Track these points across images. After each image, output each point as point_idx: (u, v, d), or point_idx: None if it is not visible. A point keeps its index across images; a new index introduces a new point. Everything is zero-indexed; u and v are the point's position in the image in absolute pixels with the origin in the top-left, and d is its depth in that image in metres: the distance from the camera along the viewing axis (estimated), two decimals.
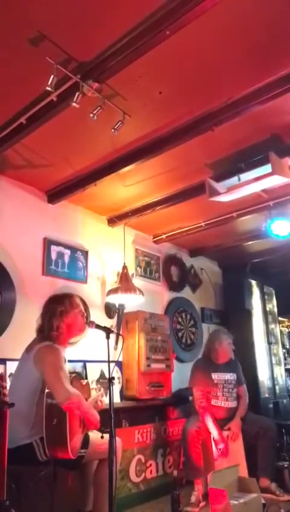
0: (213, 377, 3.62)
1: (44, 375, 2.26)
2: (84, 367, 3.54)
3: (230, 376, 3.68)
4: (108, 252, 4.11)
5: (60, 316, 2.49)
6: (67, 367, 2.55)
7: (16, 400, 2.09)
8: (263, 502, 2.89)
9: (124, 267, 3.91)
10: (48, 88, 2.11)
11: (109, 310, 3.96)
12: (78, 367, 3.50)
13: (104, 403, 2.49)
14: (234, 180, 3.09)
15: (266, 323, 5.67)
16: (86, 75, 2.17)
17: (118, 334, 3.59)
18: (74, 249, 3.75)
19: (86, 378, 3.47)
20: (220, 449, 3.32)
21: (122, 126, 2.46)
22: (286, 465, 3.59)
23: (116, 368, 3.74)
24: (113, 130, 2.46)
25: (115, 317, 3.98)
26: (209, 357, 3.77)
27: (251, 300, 5.49)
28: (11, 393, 2.44)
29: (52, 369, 2.25)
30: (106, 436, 2.26)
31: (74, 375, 2.48)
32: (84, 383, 2.61)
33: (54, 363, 2.27)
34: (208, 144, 2.90)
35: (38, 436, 2.20)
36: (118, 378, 3.78)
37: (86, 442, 2.37)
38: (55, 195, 3.57)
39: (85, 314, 2.65)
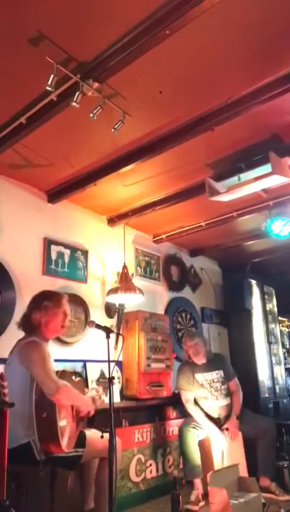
0: (197, 378, 3.60)
1: (31, 371, 2.26)
2: (84, 367, 3.54)
3: (216, 374, 3.65)
4: (108, 252, 4.11)
5: (43, 309, 2.49)
6: (65, 365, 2.55)
7: (11, 400, 2.08)
8: (263, 501, 2.89)
9: (124, 267, 3.91)
10: (48, 88, 2.11)
11: (109, 309, 3.96)
12: (78, 367, 3.50)
13: (104, 402, 2.49)
14: (234, 179, 3.09)
15: (266, 323, 5.67)
16: (86, 74, 2.17)
17: (118, 334, 3.59)
18: (73, 249, 3.75)
19: (86, 378, 3.47)
20: (224, 430, 3.38)
21: (123, 126, 2.46)
22: (285, 465, 3.59)
23: (116, 368, 3.74)
24: (113, 130, 2.46)
25: (115, 317, 3.98)
26: (191, 360, 3.74)
27: (251, 300, 5.49)
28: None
29: (38, 363, 2.25)
30: (106, 435, 2.26)
31: (61, 370, 2.47)
32: (76, 380, 2.61)
33: (39, 358, 2.27)
34: (208, 144, 2.91)
35: (36, 436, 2.21)
36: (118, 378, 3.78)
37: (82, 441, 2.37)
38: (55, 194, 3.57)
39: (68, 317, 2.60)
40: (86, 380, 3.44)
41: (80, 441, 2.36)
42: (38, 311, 2.49)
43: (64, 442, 2.15)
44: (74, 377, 2.57)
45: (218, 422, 3.47)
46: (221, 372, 3.68)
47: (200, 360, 3.67)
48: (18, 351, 2.37)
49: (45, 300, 2.53)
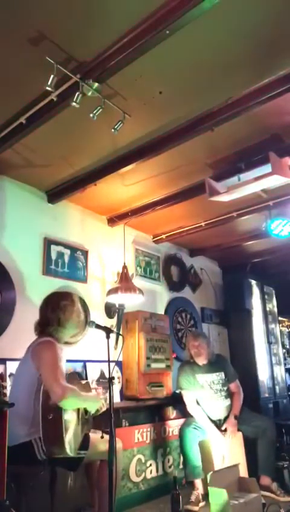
0: (198, 379, 3.59)
1: (40, 372, 2.26)
2: (84, 367, 3.54)
3: (217, 376, 3.63)
4: (108, 252, 4.11)
5: (62, 309, 2.51)
6: (66, 366, 2.55)
7: (16, 398, 2.08)
8: (263, 501, 2.89)
9: (124, 267, 3.91)
10: (48, 88, 2.11)
11: (109, 309, 3.96)
12: (78, 367, 3.50)
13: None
14: (234, 179, 3.10)
15: (266, 323, 5.67)
16: (86, 74, 2.17)
17: (118, 334, 3.59)
18: (73, 249, 3.75)
19: (86, 378, 3.47)
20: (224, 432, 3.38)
21: (122, 126, 2.46)
22: (285, 465, 3.59)
23: (116, 368, 3.74)
24: (113, 130, 2.46)
25: (115, 317, 3.97)
26: (192, 360, 3.73)
27: (251, 300, 5.49)
28: (11, 393, 2.44)
29: (48, 365, 2.24)
30: (106, 436, 2.26)
31: (70, 372, 2.47)
32: (83, 383, 2.61)
33: (50, 360, 2.27)
34: (208, 144, 2.91)
35: (38, 435, 2.20)
36: (118, 378, 3.78)
37: (86, 443, 2.36)
38: (55, 194, 3.57)
39: (82, 313, 2.65)
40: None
41: (84, 443, 2.35)
42: (55, 311, 2.50)
43: (68, 445, 2.14)
44: (81, 380, 2.58)
45: (218, 425, 3.47)
46: (222, 374, 3.66)
47: (202, 361, 3.67)
48: (32, 349, 2.37)
49: (61, 300, 2.56)
